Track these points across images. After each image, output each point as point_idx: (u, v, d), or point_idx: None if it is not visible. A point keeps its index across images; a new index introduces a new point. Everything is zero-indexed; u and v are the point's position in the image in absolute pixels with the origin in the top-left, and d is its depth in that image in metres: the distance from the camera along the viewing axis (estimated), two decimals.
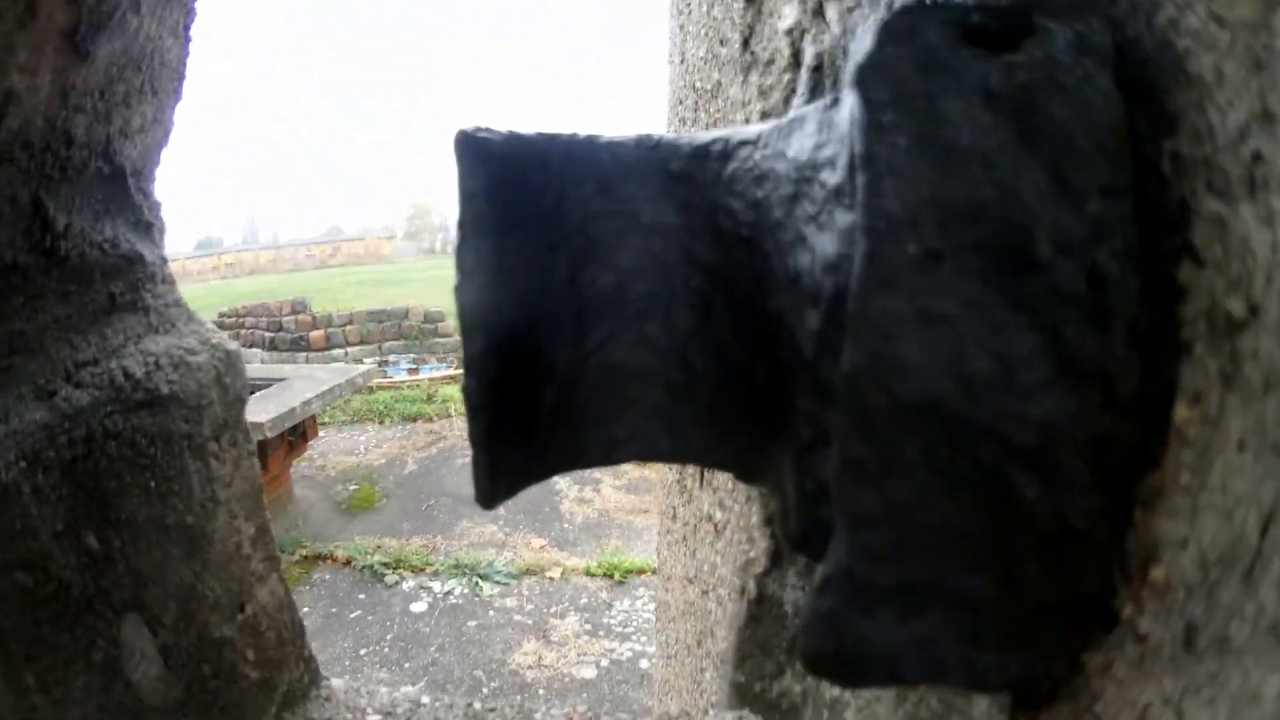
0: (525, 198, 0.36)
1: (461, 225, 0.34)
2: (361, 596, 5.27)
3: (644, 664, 4.49)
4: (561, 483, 7.06)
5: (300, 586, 5.29)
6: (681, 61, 0.94)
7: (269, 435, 5.32)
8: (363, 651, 4.65)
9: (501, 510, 6.52)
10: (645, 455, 0.41)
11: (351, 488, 7.11)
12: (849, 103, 0.29)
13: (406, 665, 4.51)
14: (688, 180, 0.38)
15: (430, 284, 19.39)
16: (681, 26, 0.94)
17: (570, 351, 0.37)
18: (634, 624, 4.92)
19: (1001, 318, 0.26)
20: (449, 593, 5.31)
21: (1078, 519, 0.27)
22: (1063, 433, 0.27)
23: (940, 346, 0.27)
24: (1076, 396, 0.27)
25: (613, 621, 4.95)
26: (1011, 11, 0.28)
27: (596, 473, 7.26)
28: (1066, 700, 0.31)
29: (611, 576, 5.41)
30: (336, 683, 1.01)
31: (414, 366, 12.13)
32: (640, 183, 0.38)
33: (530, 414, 0.36)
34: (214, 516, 0.89)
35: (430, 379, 10.45)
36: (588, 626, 4.90)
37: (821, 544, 0.31)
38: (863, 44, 0.28)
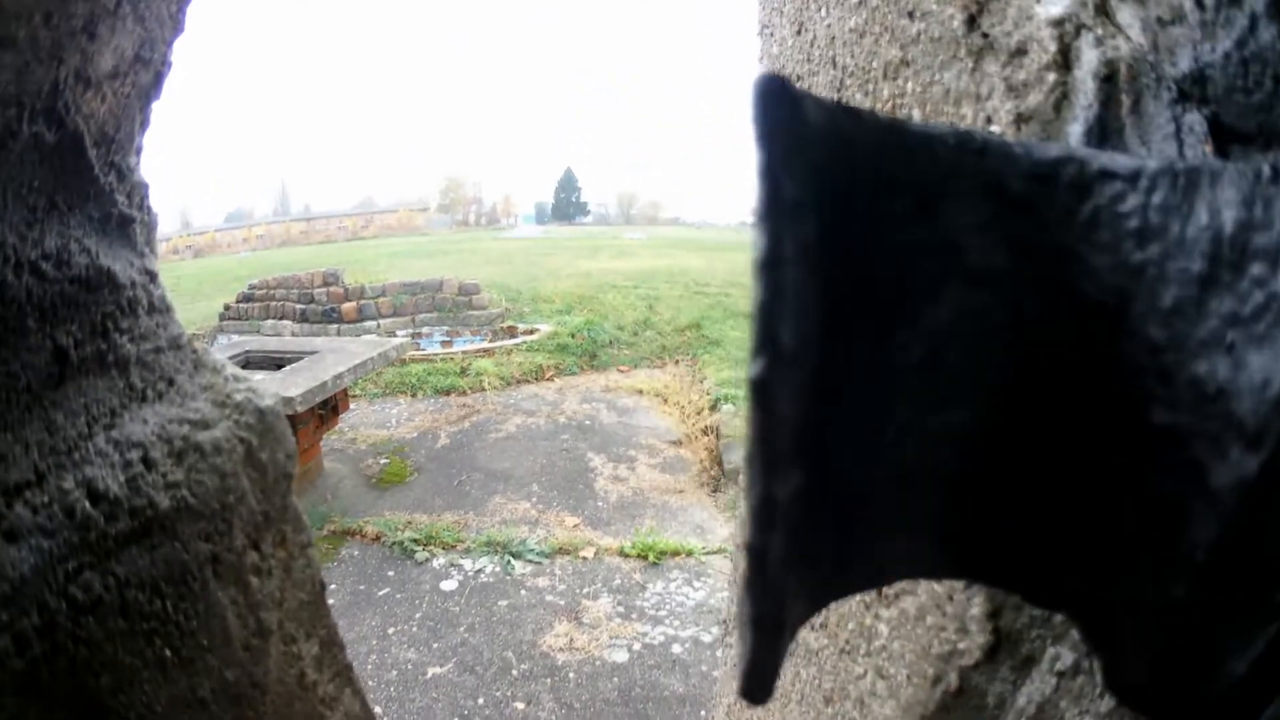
0: (840, 211, 0.24)
1: (774, 264, 0.20)
2: (391, 573, 5.22)
3: (676, 649, 4.42)
4: (596, 460, 6.98)
5: (328, 563, 5.25)
6: (799, 32, 0.83)
7: (299, 410, 5.26)
8: (390, 631, 4.59)
9: (535, 486, 6.47)
10: (917, 574, 0.32)
11: (382, 461, 7.07)
12: None
13: (435, 645, 4.45)
14: (1027, 209, 0.28)
15: (464, 256, 19.35)
16: None
17: (859, 450, 0.26)
18: (667, 607, 4.83)
19: None
20: (480, 571, 5.24)
21: None
22: None
23: None
24: None
25: (646, 604, 4.86)
26: None
27: (631, 450, 7.18)
28: None
29: (645, 558, 5.31)
30: None
31: (448, 339, 12.11)
32: (964, 202, 0.27)
33: (815, 551, 0.26)
34: (264, 655, 0.63)
35: (464, 352, 10.39)
36: (620, 609, 4.82)
37: (1166, 706, 0.29)
38: None
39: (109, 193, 0.56)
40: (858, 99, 0.67)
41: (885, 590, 0.64)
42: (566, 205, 65.83)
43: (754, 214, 0.21)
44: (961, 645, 0.52)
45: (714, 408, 7.81)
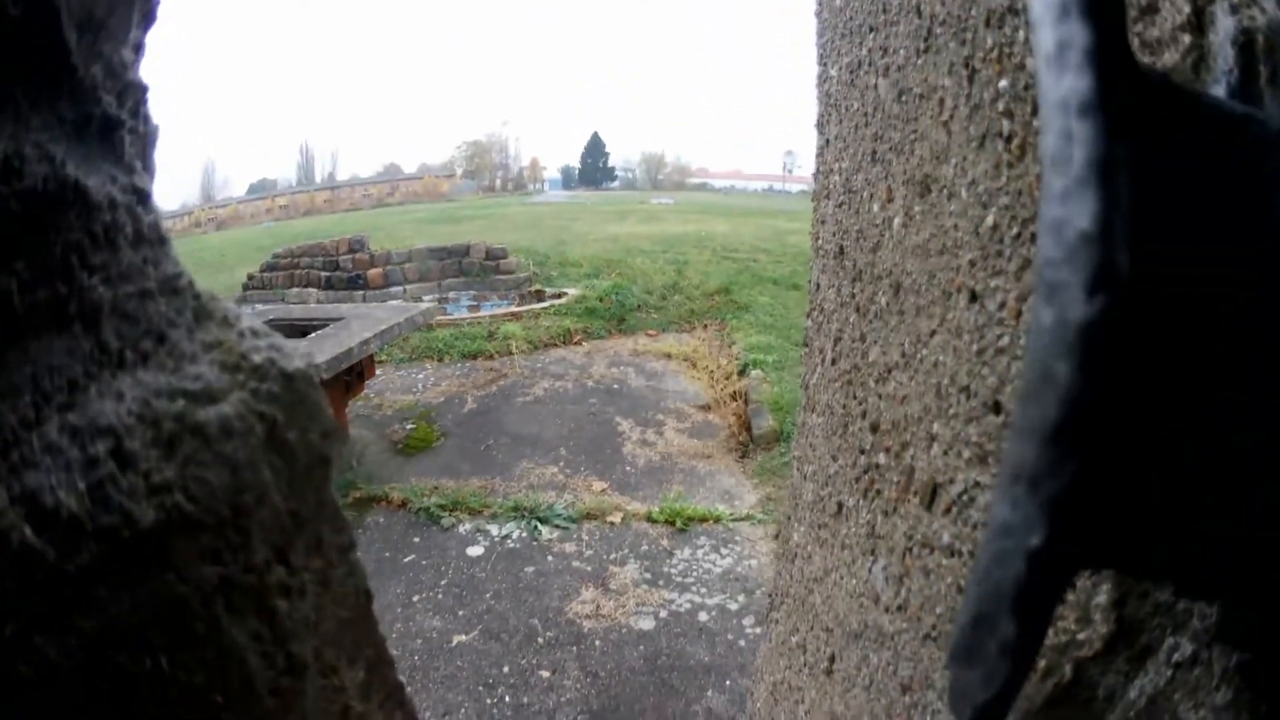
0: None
1: (1109, 167, 0.19)
2: (416, 540, 5.20)
3: (702, 617, 4.36)
4: (624, 424, 6.91)
5: (353, 530, 5.22)
6: None
7: (325, 378, 5.21)
8: (415, 598, 4.56)
9: (562, 451, 6.43)
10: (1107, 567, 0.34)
11: (409, 427, 7.05)
12: None
13: (460, 613, 4.42)
14: (1222, 160, 0.27)
15: (491, 221, 19.28)
16: None
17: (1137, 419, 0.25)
18: (694, 574, 4.77)
19: None
20: (507, 536, 5.20)
21: None
22: None
23: None
24: None
25: (673, 571, 4.80)
26: None
27: (660, 414, 7.11)
28: None
29: (673, 524, 5.25)
30: None
31: (475, 304, 12.09)
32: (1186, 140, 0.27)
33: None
34: (298, 696, 0.49)
35: (491, 316, 10.35)
36: (647, 575, 4.76)
37: None
38: None
39: (90, 88, 0.41)
40: (952, 46, 0.66)
41: None
42: (593, 170, 65.57)
43: (1076, 107, 0.20)
44: (1081, 636, 0.52)
45: (743, 373, 7.70)
